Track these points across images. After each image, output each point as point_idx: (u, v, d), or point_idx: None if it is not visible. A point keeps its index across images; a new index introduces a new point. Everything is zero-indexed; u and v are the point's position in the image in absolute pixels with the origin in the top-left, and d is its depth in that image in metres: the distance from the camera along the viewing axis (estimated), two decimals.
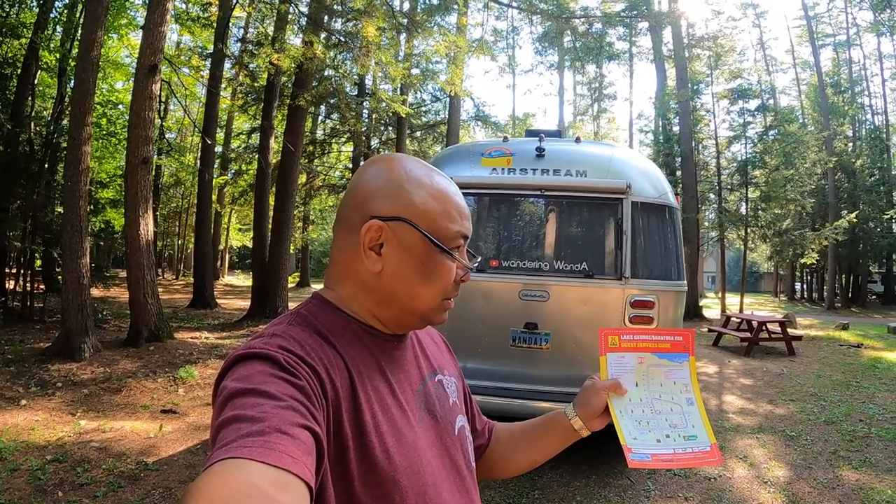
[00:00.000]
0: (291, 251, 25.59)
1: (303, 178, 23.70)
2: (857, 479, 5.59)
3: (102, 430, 6.18)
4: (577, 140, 6.03)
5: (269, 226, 16.53)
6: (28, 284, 13.31)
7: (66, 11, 16.48)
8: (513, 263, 5.36)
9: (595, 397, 1.28)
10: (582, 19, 23.83)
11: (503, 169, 5.50)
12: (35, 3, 16.42)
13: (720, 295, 25.08)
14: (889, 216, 27.96)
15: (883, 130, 38.93)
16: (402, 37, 17.77)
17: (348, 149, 27.02)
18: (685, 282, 5.63)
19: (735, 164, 25.39)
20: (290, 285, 18.48)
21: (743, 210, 24.33)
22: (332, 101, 18.39)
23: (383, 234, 1.04)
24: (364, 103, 21.37)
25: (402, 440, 0.99)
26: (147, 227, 10.22)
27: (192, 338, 11.58)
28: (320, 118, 26.44)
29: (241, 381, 0.81)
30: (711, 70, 25.72)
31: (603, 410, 1.29)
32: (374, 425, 0.95)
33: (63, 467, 5.10)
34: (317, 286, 28.84)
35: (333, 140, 26.23)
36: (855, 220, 24.48)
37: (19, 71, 14.89)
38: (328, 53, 16.42)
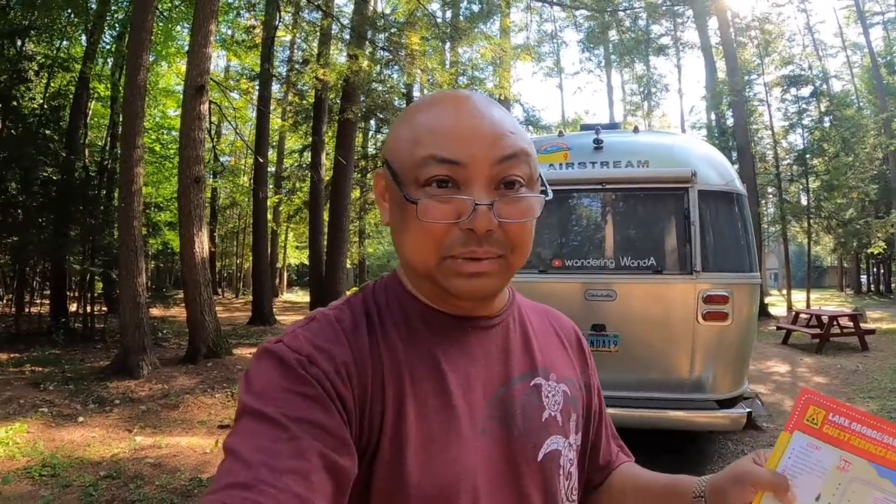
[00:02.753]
0: (348, 266, 25.70)
1: (356, 193, 23.76)
2: None
3: (158, 446, 6.14)
4: (636, 130, 5.78)
5: (325, 242, 16.55)
6: (89, 306, 13.56)
7: (115, 44, 16.88)
8: (576, 262, 5.11)
9: (739, 491, 0.81)
10: (626, 11, 23.41)
11: (560, 164, 5.26)
12: (83, 37, 16.84)
13: (784, 292, 24.36)
14: None
15: None
16: (447, 45, 17.72)
17: None
18: (759, 274, 5.30)
19: (793, 154, 24.64)
20: None
21: (804, 201, 23.57)
22: (380, 115, 18.41)
23: (385, 182, 0.89)
24: None
25: (436, 454, 0.79)
26: (202, 245, 10.28)
27: (250, 353, 11.54)
28: (370, 133, 26.58)
29: (250, 396, 0.73)
30: (761, 58, 25.05)
31: None
32: (394, 432, 0.78)
33: (116, 483, 5.03)
34: None
35: None
36: None
37: (72, 101, 15.25)
38: (374, 67, 16.47)
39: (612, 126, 6.45)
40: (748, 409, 4.98)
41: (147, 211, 16.63)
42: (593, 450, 1.09)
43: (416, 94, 22.32)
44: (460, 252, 0.80)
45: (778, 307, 24.02)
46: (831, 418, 0.78)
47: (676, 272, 4.92)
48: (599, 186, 5.14)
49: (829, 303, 28.55)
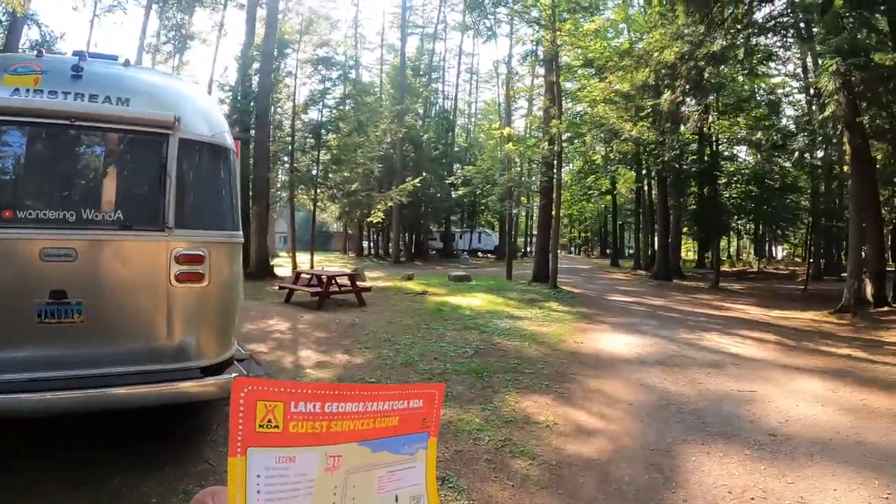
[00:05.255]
0: None
1: None
2: (444, 413, 5.76)
3: None
4: (127, 64, 5.01)
5: None
6: None
7: None
8: (31, 214, 4.10)
9: None
10: None
11: (28, 90, 4.15)
12: None
13: (291, 253, 25.59)
14: (450, 181, 31.25)
15: (451, 113, 49.11)
16: None
17: None
18: (241, 232, 5.03)
19: (310, 127, 25.90)
20: None
21: (314, 171, 24.93)
22: None
23: None
24: None
25: None
26: None
27: None
28: None
29: None
30: (301, 35, 25.62)
31: None
32: None
33: None
34: None
35: None
36: (418, 185, 26.86)
37: None
38: None
39: (110, 57, 5.50)
40: (234, 375, 4.71)
41: None
42: None
43: None
44: None
45: (285, 268, 25.15)
46: (295, 409, 0.56)
47: (148, 228, 4.35)
48: (68, 122, 4.21)
49: (334, 264, 31.30)
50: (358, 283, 13.99)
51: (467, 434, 5.27)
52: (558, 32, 19.51)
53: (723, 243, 46.76)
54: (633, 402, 6.59)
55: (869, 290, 14.92)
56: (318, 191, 24.65)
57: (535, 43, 25.11)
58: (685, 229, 31.25)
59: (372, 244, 50.14)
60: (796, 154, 20.95)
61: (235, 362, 6.10)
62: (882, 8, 15.10)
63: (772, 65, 21.39)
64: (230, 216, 4.82)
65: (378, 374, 7.41)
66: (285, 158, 25.60)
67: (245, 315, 11.55)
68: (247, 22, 24.86)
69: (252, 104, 22.94)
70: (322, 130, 24.79)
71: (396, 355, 8.45)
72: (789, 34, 17.47)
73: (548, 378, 7.49)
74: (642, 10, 29.65)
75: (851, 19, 15.18)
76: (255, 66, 23.70)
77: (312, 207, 25.91)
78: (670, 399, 6.66)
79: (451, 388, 6.79)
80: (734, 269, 39.20)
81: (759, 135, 21.52)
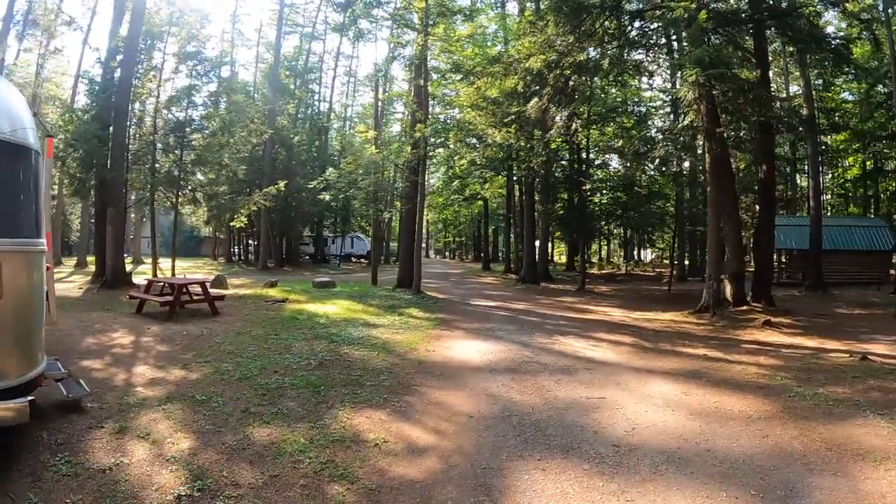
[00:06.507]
0: None
1: None
2: (269, 433, 5.44)
3: None
4: None
5: None
6: None
7: None
8: None
9: None
10: None
11: None
12: None
13: (159, 260, 24.46)
14: (313, 185, 30.55)
15: (326, 115, 49.06)
16: None
17: None
18: (44, 240, 4.53)
19: (171, 124, 24.65)
20: None
21: (176, 172, 23.81)
22: None
23: None
24: None
25: None
26: None
27: None
28: None
29: None
30: (170, 27, 24.26)
31: None
32: None
33: None
34: None
35: None
36: (283, 189, 26.09)
37: None
38: None
39: None
40: (31, 398, 4.22)
41: None
42: None
43: None
44: None
45: (149, 275, 23.85)
46: None
47: None
48: None
49: (201, 270, 30.12)
50: (212, 291, 13.26)
51: (288, 456, 4.88)
52: (429, 37, 19.45)
53: (594, 247, 48.53)
54: (474, 414, 6.39)
55: (728, 290, 15.70)
56: (180, 193, 23.51)
57: (404, 46, 24.98)
58: (557, 233, 31.91)
59: (242, 249, 48.85)
60: (657, 161, 21.67)
61: (58, 383, 5.54)
62: (748, 27, 15.87)
63: (644, 79, 22.19)
64: (29, 222, 4.34)
65: (211, 390, 6.85)
66: (150, 158, 24.29)
67: (89, 328, 10.78)
68: (115, 9, 23.17)
69: (113, 98, 21.48)
70: (186, 129, 23.61)
71: (236, 370, 7.90)
72: (660, 49, 18.07)
73: (388, 390, 7.20)
74: (517, 18, 30.12)
75: (720, 37, 15.87)
76: (120, 57, 22.17)
77: (174, 210, 24.71)
78: (514, 410, 6.50)
79: (282, 404, 6.42)
80: (603, 271, 40.61)
81: (621, 143, 22.15)
